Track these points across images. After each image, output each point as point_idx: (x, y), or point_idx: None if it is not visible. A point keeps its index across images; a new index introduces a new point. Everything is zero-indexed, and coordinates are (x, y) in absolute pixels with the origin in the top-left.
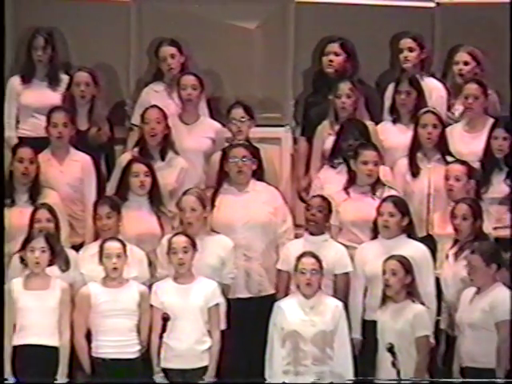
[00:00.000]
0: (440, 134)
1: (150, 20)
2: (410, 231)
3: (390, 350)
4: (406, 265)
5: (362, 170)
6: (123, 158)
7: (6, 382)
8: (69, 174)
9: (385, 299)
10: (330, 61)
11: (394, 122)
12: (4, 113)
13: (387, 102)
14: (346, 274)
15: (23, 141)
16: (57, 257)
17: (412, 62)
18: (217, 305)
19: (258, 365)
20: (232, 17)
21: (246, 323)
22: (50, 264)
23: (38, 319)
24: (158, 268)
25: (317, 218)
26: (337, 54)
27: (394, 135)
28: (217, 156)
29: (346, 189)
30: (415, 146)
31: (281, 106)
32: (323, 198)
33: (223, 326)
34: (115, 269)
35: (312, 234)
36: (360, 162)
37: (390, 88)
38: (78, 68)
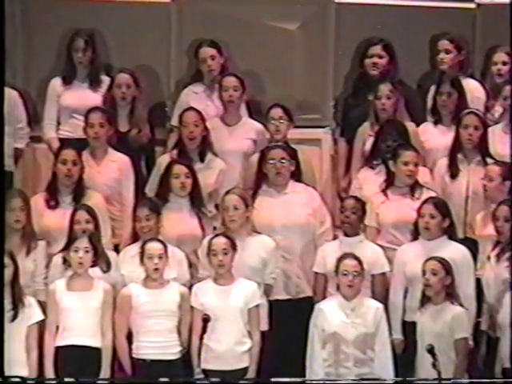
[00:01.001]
0: (481, 135)
1: (190, 21)
2: (450, 233)
3: (430, 351)
4: (446, 266)
5: (402, 171)
6: (162, 160)
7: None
8: (106, 174)
9: (424, 301)
10: (374, 63)
11: (436, 123)
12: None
13: (429, 103)
14: (384, 274)
15: (66, 142)
16: (99, 258)
17: (448, 64)
18: (257, 306)
19: (298, 366)
20: (273, 18)
21: (284, 325)
22: (93, 265)
23: (80, 320)
24: (199, 269)
25: (351, 219)
26: (380, 57)
27: (435, 136)
28: (255, 157)
29: (383, 190)
30: (456, 147)
31: (321, 107)
32: (357, 200)
33: (265, 327)
34: (156, 269)
35: (347, 235)
36: (400, 162)
37: (432, 89)
38: (119, 70)
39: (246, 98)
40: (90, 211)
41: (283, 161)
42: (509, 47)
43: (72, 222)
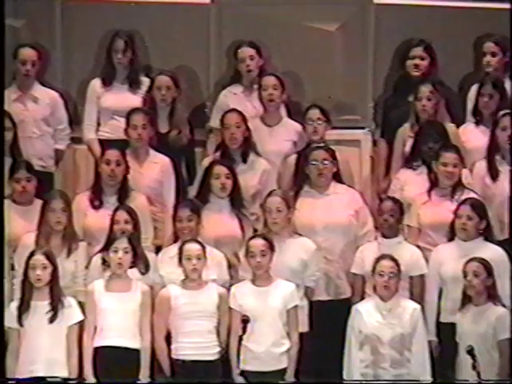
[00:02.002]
0: None
1: (229, 22)
2: (487, 234)
3: (470, 352)
4: (487, 267)
5: (442, 172)
6: (206, 162)
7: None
8: (148, 176)
9: (465, 302)
10: (415, 65)
11: (477, 124)
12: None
13: (470, 104)
14: (422, 276)
15: (106, 143)
16: (138, 259)
17: (494, 67)
18: (295, 307)
19: (337, 367)
20: (312, 19)
21: (326, 326)
22: (132, 266)
23: (119, 321)
24: (239, 271)
25: (389, 222)
26: (421, 58)
27: (475, 137)
28: (292, 158)
29: (428, 191)
30: (493, 149)
31: (360, 108)
32: (394, 202)
33: (305, 329)
34: (195, 270)
35: (386, 236)
36: (440, 163)
37: (473, 90)
38: (159, 71)
39: (285, 98)
40: (131, 212)
41: (326, 162)
42: None
43: (112, 222)
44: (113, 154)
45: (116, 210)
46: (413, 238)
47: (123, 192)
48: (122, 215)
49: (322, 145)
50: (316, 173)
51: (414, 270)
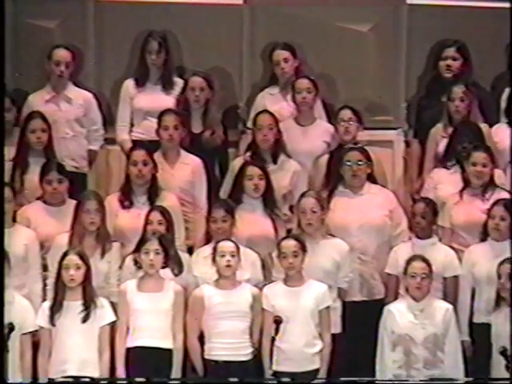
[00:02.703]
0: None
1: (262, 23)
2: None
3: (503, 353)
4: None
5: (472, 172)
6: (237, 162)
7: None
8: (180, 177)
9: (499, 303)
10: (448, 66)
11: (510, 124)
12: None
13: (503, 105)
14: (456, 277)
15: (139, 143)
16: (170, 259)
17: None
18: (327, 307)
19: (370, 368)
20: (345, 19)
21: (360, 326)
22: (164, 266)
23: (151, 321)
24: (273, 271)
25: (421, 225)
26: (454, 59)
27: (508, 137)
28: (324, 159)
29: (460, 191)
30: None
31: (393, 108)
32: (426, 204)
33: (338, 330)
34: (229, 266)
35: (419, 237)
36: (470, 163)
37: (506, 91)
38: (192, 72)
39: (320, 100)
40: (164, 212)
41: (360, 163)
42: None
43: (146, 222)
44: (139, 155)
45: (150, 210)
46: (446, 238)
47: (153, 191)
48: (156, 216)
49: (356, 145)
50: (350, 173)
51: (448, 271)
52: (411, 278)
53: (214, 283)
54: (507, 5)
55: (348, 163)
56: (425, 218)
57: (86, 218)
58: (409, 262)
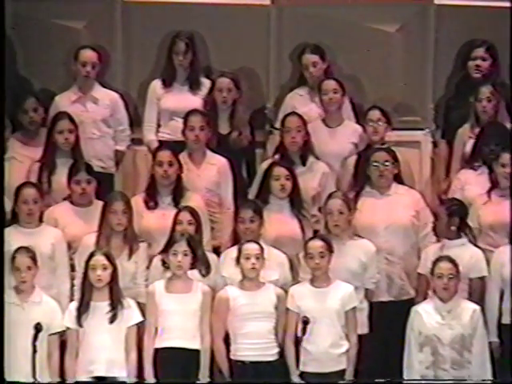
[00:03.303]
0: None
1: (289, 23)
2: None
3: None
4: None
5: (501, 173)
6: (265, 164)
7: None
8: (206, 177)
9: None
10: (477, 66)
11: None
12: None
13: None
14: (482, 278)
15: (164, 144)
16: (198, 260)
17: None
18: (354, 308)
19: (397, 369)
20: (372, 20)
21: (387, 326)
22: (192, 267)
23: (179, 322)
24: (300, 272)
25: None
26: (483, 59)
27: None
28: (352, 159)
29: (488, 192)
30: None
31: (421, 109)
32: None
33: (365, 330)
34: (253, 269)
35: (449, 238)
36: (499, 164)
37: None
38: (220, 73)
39: (349, 101)
40: (193, 213)
41: (387, 163)
42: None
43: (174, 222)
44: (165, 155)
45: (179, 210)
46: (474, 238)
47: (178, 192)
48: (186, 216)
49: (383, 146)
50: (377, 174)
51: (474, 272)
52: (438, 279)
53: (238, 284)
54: None
55: (375, 164)
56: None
57: (113, 218)
58: (436, 262)
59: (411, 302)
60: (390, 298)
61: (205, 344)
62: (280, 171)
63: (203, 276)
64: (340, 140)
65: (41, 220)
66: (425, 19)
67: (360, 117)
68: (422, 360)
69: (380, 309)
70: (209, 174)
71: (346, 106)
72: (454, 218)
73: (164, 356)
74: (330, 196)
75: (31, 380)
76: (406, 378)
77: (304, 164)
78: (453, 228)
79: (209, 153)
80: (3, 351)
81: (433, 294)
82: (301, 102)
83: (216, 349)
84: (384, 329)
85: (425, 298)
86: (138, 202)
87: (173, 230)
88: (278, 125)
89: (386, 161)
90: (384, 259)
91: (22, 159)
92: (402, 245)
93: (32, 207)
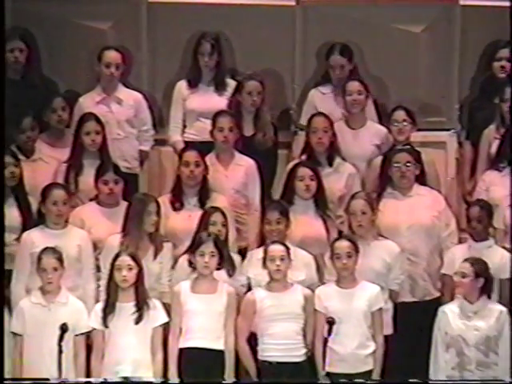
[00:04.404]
0: None
1: (314, 24)
2: None
3: None
4: None
5: None
6: (291, 165)
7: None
8: (233, 178)
9: None
10: (502, 66)
11: None
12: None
13: None
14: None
15: (191, 144)
16: (225, 261)
17: None
18: (380, 309)
19: (423, 369)
20: (397, 20)
21: (410, 327)
22: (218, 268)
23: (204, 323)
24: (325, 273)
25: (477, 229)
26: (509, 60)
27: None
28: (377, 160)
29: None
30: None
31: (446, 109)
32: (481, 207)
33: (389, 331)
34: (278, 270)
35: (476, 240)
36: None
37: None
38: (248, 76)
39: (372, 102)
40: (224, 214)
41: (408, 164)
42: None
43: (202, 223)
44: (191, 156)
45: (210, 212)
46: (499, 239)
47: (204, 193)
48: (219, 217)
49: (405, 147)
50: (398, 175)
51: (503, 274)
52: (465, 279)
53: (265, 286)
54: None
55: (396, 165)
56: (481, 221)
57: (148, 219)
58: (462, 263)
59: (434, 303)
60: (413, 298)
61: (229, 345)
62: (304, 172)
63: (230, 276)
64: (362, 141)
65: (66, 221)
66: (450, 20)
67: (384, 117)
68: (447, 360)
69: (403, 309)
70: (236, 175)
71: (369, 107)
72: (479, 219)
73: (188, 356)
74: (352, 196)
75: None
76: (432, 379)
77: (331, 165)
78: (479, 229)
79: (237, 154)
80: (3, 351)
81: (460, 294)
82: (323, 100)
83: (240, 349)
84: (407, 330)
85: (452, 299)
86: (163, 202)
87: (199, 230)
88: (302, 121)
89: (408, 162)
90: (407, 260)
91: (49, 160)
92: (425, 245)
93: (61, 208)
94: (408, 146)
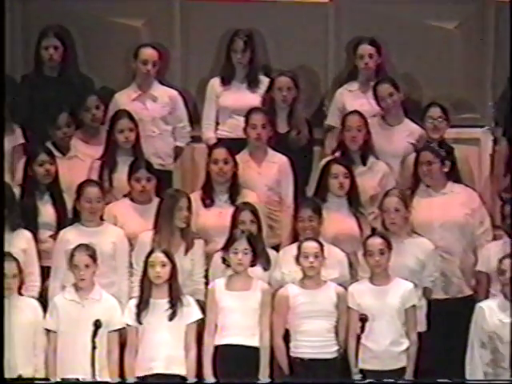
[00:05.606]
0: None
1: (348, 21)
2: None
3: None
4: None
5: None
6: (324, 162)
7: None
8: (266, 175)
9: None
10: None
11: None
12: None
13: None
14: None
15: (220, 142)
16: (259, 258)
17: None
18: (413, 306)
19: (457, 366)
20: (431, 17)
21: (443, 324)
22: (252, 265)
23: (239, 319)
24: (359, 270)
25: None
26: None
27: None
28: (411, 158)
29: None
30: None
31: (480, 106)
32: None
33: (423, 328)
34: (312, 268)
35: (511, 237)
36: None
37: None
38: (279, 72)
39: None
40: (254, 211)
41: (432, 162)
42: None
43: (234, 221)
44: (220, 153)
45: (240, 209)
46: None
47: (234, 190)
48: (247, 215)
49: (430, 145)
50: (422, 173)
51: None
52: (502, 276)
53: (299, 283)
54: None
55: (420, 163)
56: None
57: (179, 215)
58: (500, 260)
59: (467, 300)
60: (445, 295)
61: (264, 342)
62: (338, 169)
63: (265, 270)
64: (398, 139)
65: (101, 218)
66: (484, 16)
67: (417, 114)
68: (483, 357)
69: (436, 306)
70: (270, 173)
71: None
72: None
73: (223, 353)
74: (386, 194)
75: (89, 377)
76: (468, 375)
77: (364, 163)
78: None
79: (270, 151)
80: (3, 350)
81: (498, 291)
82: (351, 97)
83: (276, 346)
84: (441, 327)
85: (486, 296)
86: (194, 199)
87: (232, 228)
88: (329, 121)
89: (431, 160)
90: (440, 257)
91: (84, 158)
92: (458, 243)
93: (95, 206)
94: (433, 144)
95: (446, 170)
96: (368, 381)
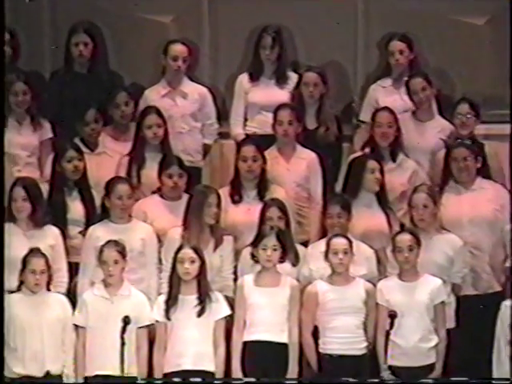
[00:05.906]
0: None
1: (377, 16)
2: None
3: None
4: None
5: None
6: (353, 158)
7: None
8: (295, 171)
9: None
10: None
11: None
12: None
13: None
14: None
15: (249, 138)
16: (287, 254)
17: None
18: (442, 302)
19: (485, 363)
20: (460, 12)
21: (472, 320)
22: (281, 261)
23: (268, 316)
24: (387, 267)
25: None
26: None
27: None
28: (441, 154)
29: None
30: None
31: (509, 102)
32: None
33: (452, 325)
34: (341, 264)
35: None
36: None
37: None
38: (307, 68)
39: (434, 94)
40: (282, 207)
41: (468, 159)
42: None
43: (263, 217)
44: (249, 150)
45: (268, 206)
46: None
47: (263, 186)
48: (275, 212)
49: (464, 141)
50: (457, 169)
51: None
52: None
53: (327, 279)
54: None
55: (455, 159)
56: None
57: (208, 212)
58: None
59: (496, 296)
60: (475, 291)
61: (293, 338)
62: (374, 165)
63: (293, 265)
64: (428, 135)
65: (130, 215)
66: None
67: (445, 109)
68: (509, 354)
69: (465, 302)
70: (298, 169)
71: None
72: None
73: (252, 349)
74: (415, 190)
75: (119, 373)
76: (495, 373)
77: (394, 160)
78: None
79: (299, 147)
80: (3, 349)
81: None
82: (384, 93)
83: (305, 343)
84: (470, 323)
85: None
86: (223, 195)
87: (261, 224)
88: (362, 117)
89: (466, 157)
90: (469, 253)
91: (113, 154)
92: (487, 239)
93: (126, 202)
94: (467, 141)
95: (478, 166)
96: (394, 379)
